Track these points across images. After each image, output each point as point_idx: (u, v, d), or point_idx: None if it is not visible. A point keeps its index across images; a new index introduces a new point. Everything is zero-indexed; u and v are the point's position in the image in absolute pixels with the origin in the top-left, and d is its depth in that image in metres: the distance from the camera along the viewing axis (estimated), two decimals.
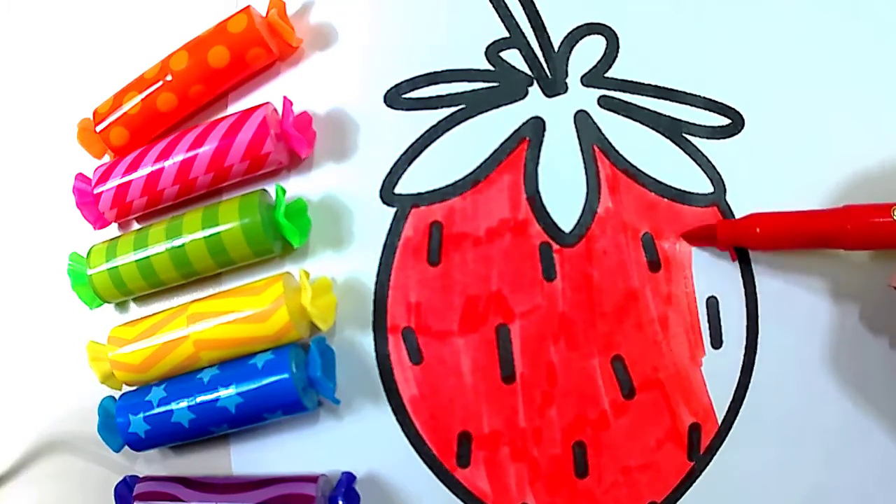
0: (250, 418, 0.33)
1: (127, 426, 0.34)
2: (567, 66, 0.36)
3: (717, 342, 0.34)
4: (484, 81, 0.36)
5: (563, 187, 0.35)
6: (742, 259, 0.34)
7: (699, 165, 0.35)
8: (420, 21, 0.37)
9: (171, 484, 0.34)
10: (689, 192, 0.35)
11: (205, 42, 0.35)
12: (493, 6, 0.36)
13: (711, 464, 0.34)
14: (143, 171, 0.35)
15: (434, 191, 0.35)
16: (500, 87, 0.36)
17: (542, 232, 0.35)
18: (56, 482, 0.37)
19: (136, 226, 0.38)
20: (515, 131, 0.35)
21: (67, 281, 0.36)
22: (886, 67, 0.35)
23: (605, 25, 0.36)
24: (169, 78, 0.35)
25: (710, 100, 0.35)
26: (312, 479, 0.33)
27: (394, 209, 0.35)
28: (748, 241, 0.32)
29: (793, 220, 0.32)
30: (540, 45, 0.36)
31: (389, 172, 0.35)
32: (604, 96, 0.36)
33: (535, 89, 0.36)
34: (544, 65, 0.36)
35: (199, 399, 0.33)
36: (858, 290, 0.34)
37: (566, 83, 0.36)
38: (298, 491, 0.33)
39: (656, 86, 0.35)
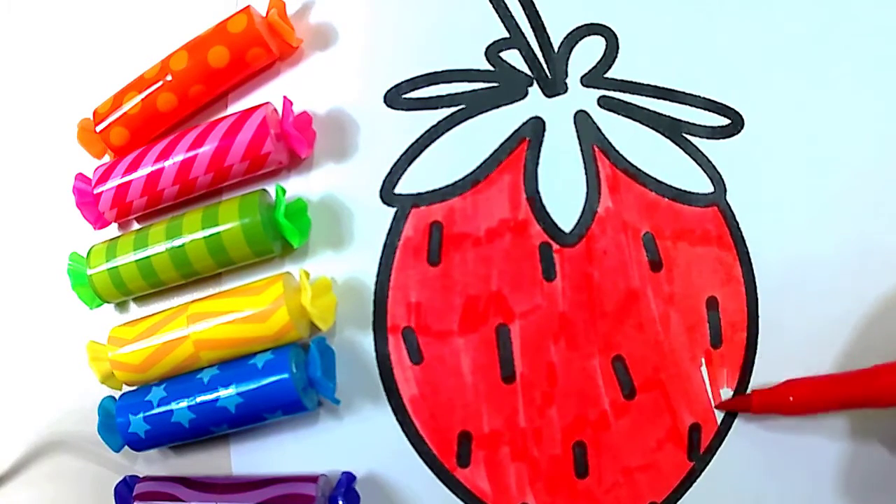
0: (250, 418, 0.33)
1: (127, 426, 0.34)
2: (567, 66, 0.36)
3: (717, 342, 0.34)
4: (484, 81, 0.36)
5: (563, 187, 0.35)
6: (742, 259, 0.34)
7: (699, 165, 0.35)
8: (420, 21, 0.37)
9: (171, 484, 0.34)
10: (690, 192, 0.35)
11: (205, 42, 0.35)
12: (493, 6, 0.36)
13: (711, 464, 0.34)
14: (143, 171, 0.35)
15: (434, 191, 0.35)
16: (500, 87, 0.36)
17: (542, 232, 0.35)
18: (56, 482, 0.37)
19: (136, 226, 0.37)
20: (515, 131, 0.35)
21: (67, 281, 0.36)
22: (886, 67, 0.35)
23: (604, 26, 0.36)
24: (169, 78, 0.35)
25: (709, 100, 0.35)
26: (312, 479, 0.33)
27: (394, 209, 0.35)
28: (782, 409, 0.32)
29: (825, 385, 0.32)
30: (540, 46, 0.36)
31: (389, 172, 0.35)
32: (604, 96, 0.36)
33: (535, 89, 0.36)
34: (544, 65, 0.36)
35: (199, 399, 0.33)
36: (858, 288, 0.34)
37: (566, 83, 0.36)
38: (298, 491, 0.33)
39: (656, 86, 0.35)
